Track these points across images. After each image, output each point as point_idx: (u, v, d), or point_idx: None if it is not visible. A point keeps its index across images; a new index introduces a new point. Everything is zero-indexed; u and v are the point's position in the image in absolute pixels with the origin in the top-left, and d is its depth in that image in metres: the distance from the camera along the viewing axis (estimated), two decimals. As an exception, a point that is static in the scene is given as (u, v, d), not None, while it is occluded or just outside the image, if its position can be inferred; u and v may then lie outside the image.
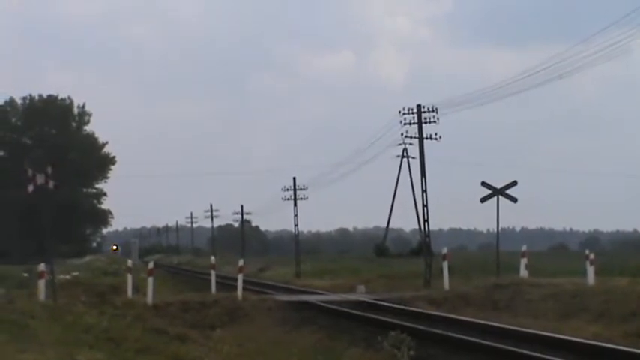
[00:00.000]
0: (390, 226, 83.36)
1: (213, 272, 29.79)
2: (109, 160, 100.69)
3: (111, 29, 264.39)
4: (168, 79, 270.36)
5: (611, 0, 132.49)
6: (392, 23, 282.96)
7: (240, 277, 26.94)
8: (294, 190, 53.59)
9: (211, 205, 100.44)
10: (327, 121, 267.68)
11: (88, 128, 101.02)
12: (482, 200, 30.81)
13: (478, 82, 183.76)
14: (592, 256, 25.49)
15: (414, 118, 34.20)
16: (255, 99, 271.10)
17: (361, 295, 28.12)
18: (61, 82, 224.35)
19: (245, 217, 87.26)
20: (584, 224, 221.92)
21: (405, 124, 34.47)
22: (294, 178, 53.84)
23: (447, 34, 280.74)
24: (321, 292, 30.73)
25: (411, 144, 38.69)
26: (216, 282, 29.69)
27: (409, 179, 69.65)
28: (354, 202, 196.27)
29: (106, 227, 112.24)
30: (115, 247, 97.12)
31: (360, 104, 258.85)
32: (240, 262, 28.61)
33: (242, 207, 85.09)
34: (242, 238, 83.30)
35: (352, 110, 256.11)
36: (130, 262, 30.44)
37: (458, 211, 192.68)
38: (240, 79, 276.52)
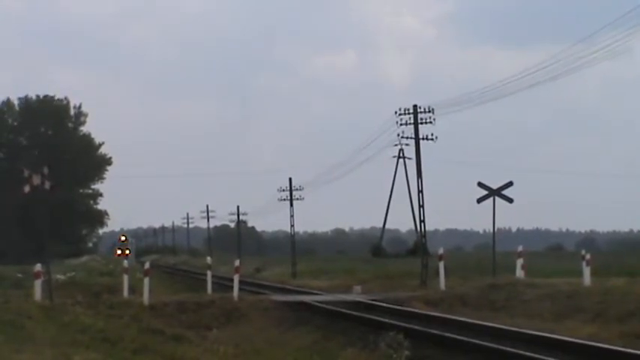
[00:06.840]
0: (387, 226, 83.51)
1: (209, 273, 29.86)
2: (105, 161, 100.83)
3: (111, 29, 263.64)
4: (166, 80, 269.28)
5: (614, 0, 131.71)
6: (395, 23, 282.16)
7: (236, 277, 26.93)
8: (290, 190, 53.59)
9: (207, 206, 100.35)
10: (327, 121, 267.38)
11: (84, 129, 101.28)
12: (479, 201, 30.86)
13: (481, 82, 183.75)
14: (588, 256, 25.50)
15: (410, 118, 34.20)
16: (254, 99, 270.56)
17: (357, 295, 28.11)
18: (58, 82, 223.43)
19: (241, 217, 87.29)
20: (580, 225, 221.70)
21: (401, 124, 34.52)
22: (290, 179, 53.89)
23: (451, 35, 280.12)
24: (317, 292, 30.69)
25: (407, 144, 38.78)
26: (213, 282, 29.76)
27: (405, 180, 70.24)
28: (350, 202, 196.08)
29: (102, 228, 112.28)
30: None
31: (362, 105, 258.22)
32: (237, 263, 28.62)
33: (238, 207, 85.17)
34: (238, 238, 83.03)
35: (354, 111, 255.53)
36: (125, 263, 30.52)
37: (454, 211, 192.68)
38: (239, 79, 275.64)
